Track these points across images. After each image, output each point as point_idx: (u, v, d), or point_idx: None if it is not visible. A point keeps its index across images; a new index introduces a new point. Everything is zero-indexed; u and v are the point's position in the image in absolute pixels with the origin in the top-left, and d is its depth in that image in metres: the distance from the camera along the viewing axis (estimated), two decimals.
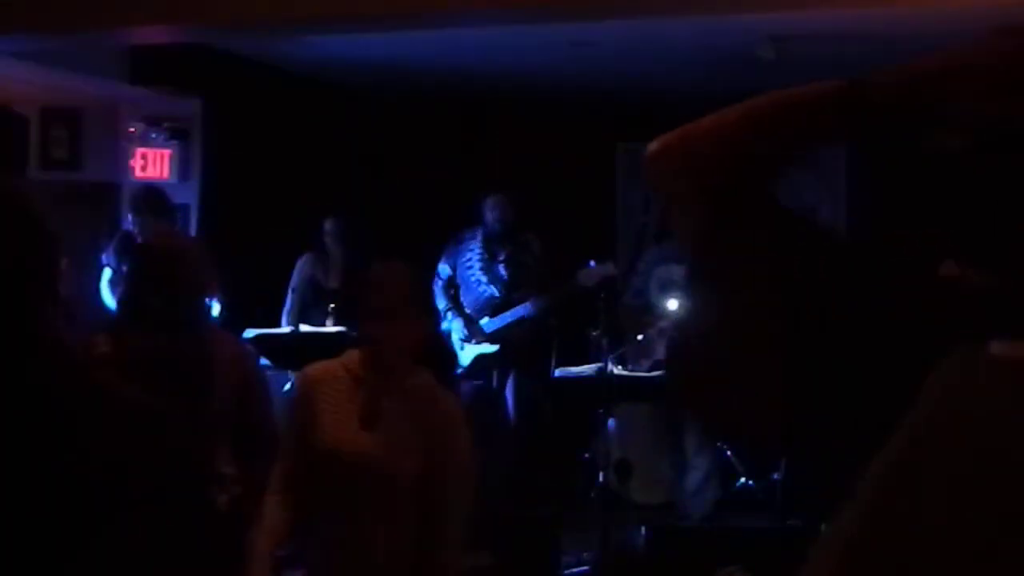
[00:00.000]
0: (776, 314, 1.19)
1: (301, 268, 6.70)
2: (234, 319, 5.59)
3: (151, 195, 6.15)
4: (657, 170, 1.32)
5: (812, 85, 1.28)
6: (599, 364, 5.86)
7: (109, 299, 6.26)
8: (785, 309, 1.19)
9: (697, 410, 1.35)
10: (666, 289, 6.52)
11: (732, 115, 1.27)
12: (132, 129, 7.15)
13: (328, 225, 6.81)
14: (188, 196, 7.05)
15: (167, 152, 7.09)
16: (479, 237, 6.68)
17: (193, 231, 6.99)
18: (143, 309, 3.35)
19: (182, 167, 7.09)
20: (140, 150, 7.14)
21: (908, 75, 1.17)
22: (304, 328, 6.18)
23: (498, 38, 6.33)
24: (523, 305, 6.44)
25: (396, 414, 3.12)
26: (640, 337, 6.46)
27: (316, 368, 3.16)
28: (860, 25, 6.07)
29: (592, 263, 6.18)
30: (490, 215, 6.60)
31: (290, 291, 6.62)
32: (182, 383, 3.16)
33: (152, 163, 7.12)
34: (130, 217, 6.08)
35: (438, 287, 6.72)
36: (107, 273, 6.31)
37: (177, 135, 7.09)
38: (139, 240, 5.98)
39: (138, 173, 7.06)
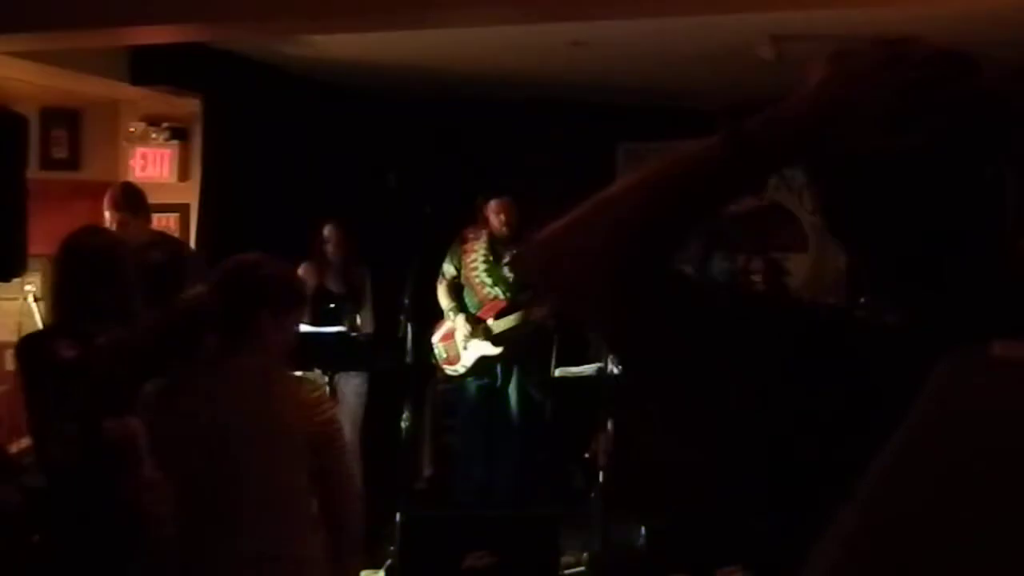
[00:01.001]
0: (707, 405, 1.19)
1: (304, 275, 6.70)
2: None
3: (129, 192, 6.14)
4: (553, 272, 1.28)
5: (686, 152, 1.25)
6: (599, 364, 5.86)
7: None
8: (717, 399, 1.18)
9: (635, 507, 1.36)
10: None
11: (622, 198, 1.23)
12: (132, 129, 7.15)
13: (327, 231, 6.83)
14: (188, 196, 7.05)
15: (167, 152, 7.09)
16: (484, 238, 6.68)
17: (193, 231, 6.99)
18: (92, 306, 3.38)
19: (182, 167, 7.09)
20: (140, 150, 7.14)
21: (800, 111, 1.17)
22: (304, 328, 6.17)
23: (498, 38, 6.33)
24: (526, 309, 6.49)
25: None
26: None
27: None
28: (860, 25, 6.06)
29: None
30: (495, 219, 6.61)
31: None
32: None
33: (152, 163, 7.12)
34: (107, 215, 6.07)
35: (442, 287, 6.73)
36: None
37: (177, 135, 7.09)
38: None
39: (138, 173, 7.05)
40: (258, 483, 3.04)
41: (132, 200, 6.07)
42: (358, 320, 6.71)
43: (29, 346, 3.58)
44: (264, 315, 3.12)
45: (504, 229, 6.60)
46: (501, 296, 6.59)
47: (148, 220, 6.25)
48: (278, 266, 3.28)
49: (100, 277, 3.43)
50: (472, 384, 6.70)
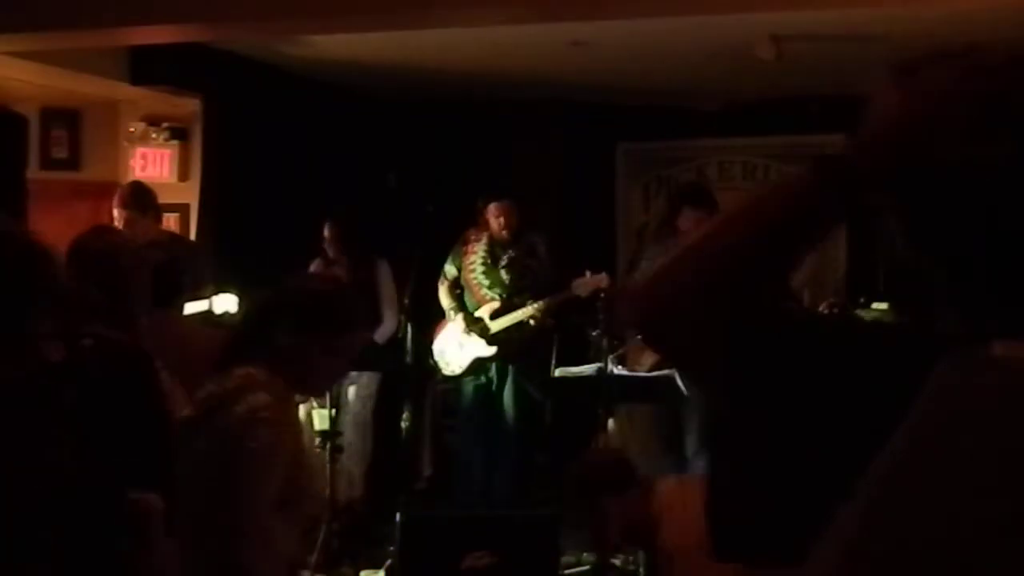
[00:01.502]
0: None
1: None
2: (234, 319, 5.58)
3: (136, 191, 6.14)
4: (654, 321, 1.28)
5: (775, 187, 1.26)
6: (599, 364, 5.86)
7: None
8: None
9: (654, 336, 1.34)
10: None
11: (715, 239, 1.24)
12: (132, 129, 7.15)
13: (327, 230, 6.78)
14: (188, 196, 7.05)
15: (167, 152, 7.09)
16: (483, 240, 6.68)
17: (193, 231, 6.99)
18: (91, 307, 3.36)
19: (182, 167, 7.09)
20: (140, 150, 7.14)
21: (886, 134, 1.17)
22: None
23: (498, 38, 6.33)
24: (520, 311, 6.48)
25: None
26: (640, 336, 6.45)
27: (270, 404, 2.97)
28: (860, 25, 6.06)
29: (588, 273, 6.21)
30: (494, 222, 6.60)
31: None
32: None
33: (152, 163, 7.12)
34: (115, 212, 6.08)
35: (443, 288, 6.73)
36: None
37: (177, 135, 7.09)
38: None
39: (138, 173, 7.05)
40: None
41: (140, 199, 6.08)
42: (385, 321, 6.64)
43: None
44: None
45: (503, 232, 6.60)
46: (497, 298, 6.60)
47: (158, 219, 6.26)
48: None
49: (100, 280, 3.42)
50: (469, 384, 6.70)
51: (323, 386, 3.10)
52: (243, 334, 3.08)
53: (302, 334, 2.98)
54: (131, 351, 3.26)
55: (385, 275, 6.81)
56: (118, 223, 6.09)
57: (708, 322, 1.21)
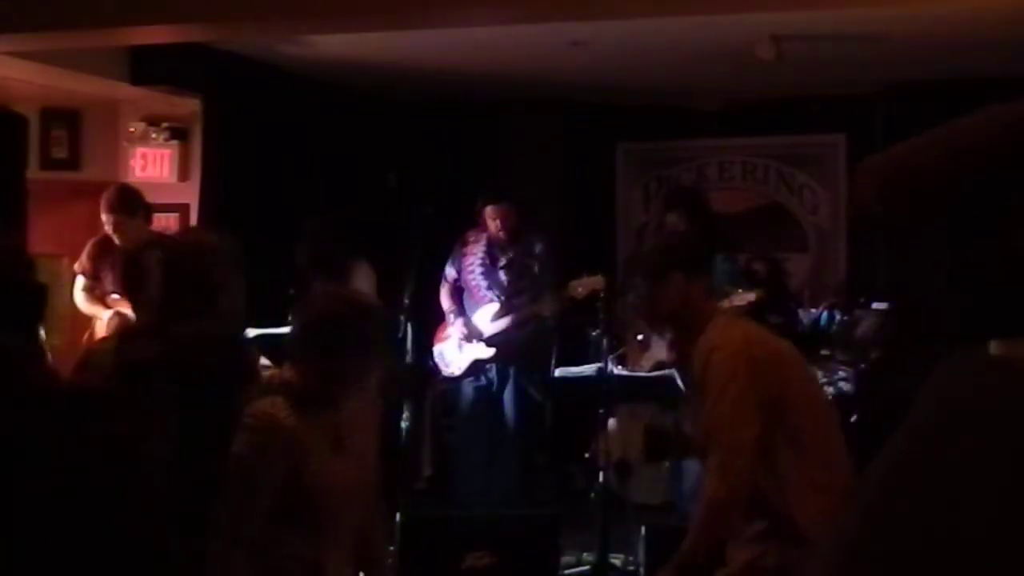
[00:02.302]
0: None
1: None
2: None
3: (123, 194, 6.13)
4: (893, 191, 1.26)
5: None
6: (599, 364, 5.86)
7: (84, 306, 6.20)
8: None
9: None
10: None
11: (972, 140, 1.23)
12: (132, 129, 7.14)
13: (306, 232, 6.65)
14: (188, 196, 7.05)
15: (167, 152, 7.09)
16: (482, 241, 6.67)
17: None
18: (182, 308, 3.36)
19: (182, 167, 7.09)
20: (140, 150, 7.13)
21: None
22: None
23: (498, 38, 6.33)
24: (518, 313, 6.47)
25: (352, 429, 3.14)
26: (640, 337, 6.45)
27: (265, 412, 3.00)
28: (860, 25, 6.06)
29: (584, 275, 6.21)
30: (491, 224, 6.59)
31: None
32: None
33: (152, 163, 7.12)
34: (103, 217, 6.06)
35: (444, 290, 6.72)
36: (80, 280, 6.22)
37: (177, 135, 7.08)
38: (117, 242, 5.97)
39: (138, 173, 7.05)
40: None
41: (127, 201, 6.06)
42: None
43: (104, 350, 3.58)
44: None
45: (501, 234, 6.59)
46: (495, 300, 6.59)
47: (147, 220, 6.24)
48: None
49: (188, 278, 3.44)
50: (469, 386, 6.69)
51: (320, 407, 3.06)
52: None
53: (298, 359, 3.03)
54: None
55: (362, 277, 6.66)
56: (107, 227, 6.07)
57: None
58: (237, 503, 2.93)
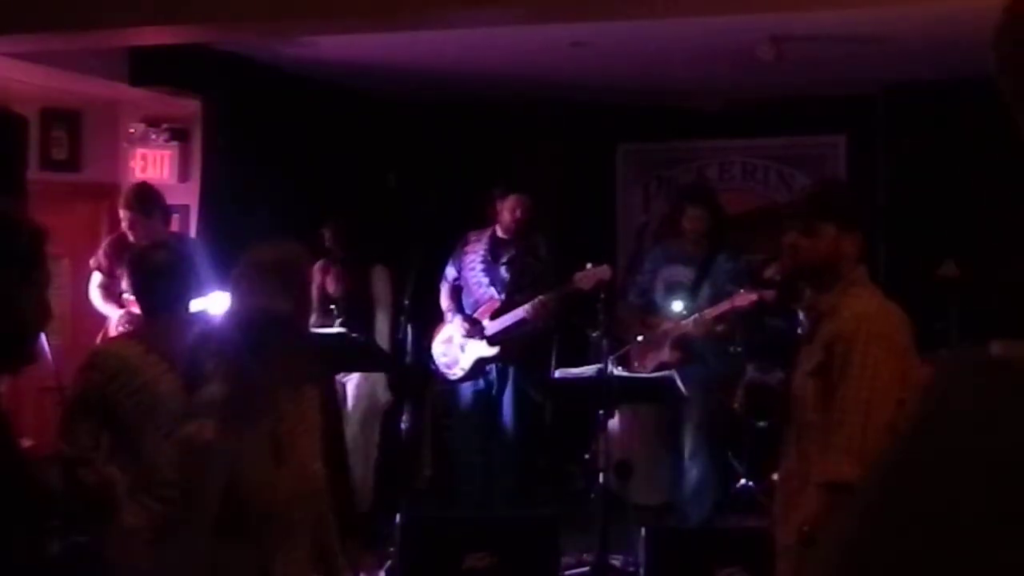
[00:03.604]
0: None
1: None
2: None
3: (141, 193, 6.14)
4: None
5: None
6: (599, 365, 5.86)
7: (99, 304, 6.22)
8: None
9: None
10: (672, 290, 6.51)
11: None
12: (132, 130, 7.14)
13: (327, 231, 6.74)
14: (188, 197, 7.05)
15: (167, 153, 7.09)
16: (484, 239, 6.66)
17: (193, 232, 6.98)
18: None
19: (182, 168, 7.09)
20: (140, 151, 7.13)
21: None
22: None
23: (498, 38, 6.33)
24: (522, 308, 6.43)
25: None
26: (640, 338, 6.45)
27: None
28: (860, 25, 6.07)
29: (589, 265, 6.19)
30: (508, 214, 6.56)
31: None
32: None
33: (152, 164, 7.12)
34: (121, 213, 6.08)
35: (444, 289, 6.71)
36: (96, 277, 6.25)
37: (177, 135, 7.08)
38: (132, 240, 5.98)
39: (138, 174, 7.05)
40: None
41: (143, 201, 6.08)
42: (377, 324, 6.61)
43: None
44: None
45: (514, 225, 6.56)
46: (496, 296, 6.57)
47: (164, 221, 6.25)
48: None
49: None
50: (468, 389, 6.66)
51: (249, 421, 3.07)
52: None
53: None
54: None
55: (380, 279, 6.76)
56: (123, 224, 6.09)
57: None
58: (183, 520, 2.99)
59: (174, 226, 6.87)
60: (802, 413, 3.23)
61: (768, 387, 3.88)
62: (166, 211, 6.25)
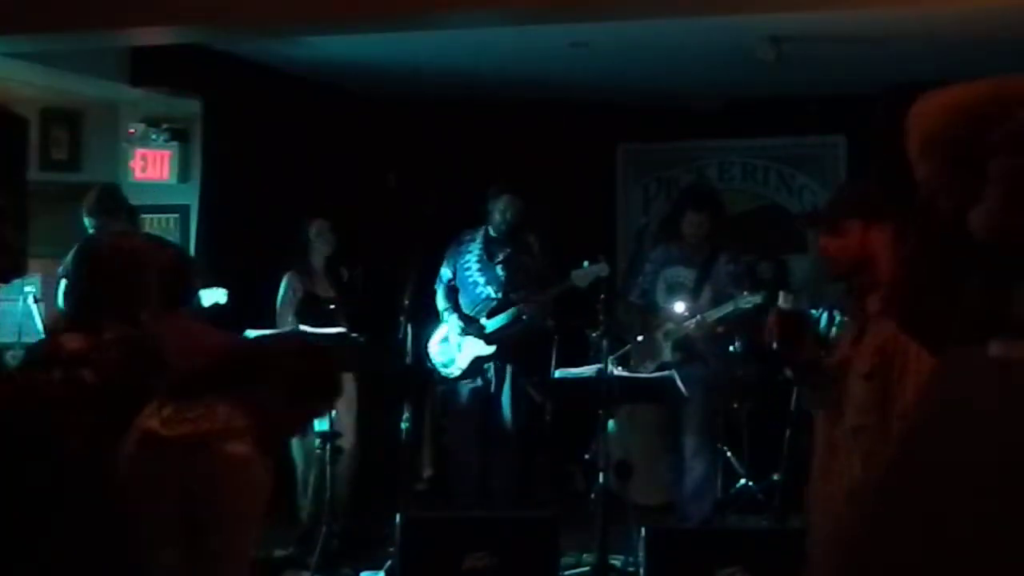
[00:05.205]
0: None
1: (290, 286, 6.46)
2: (234, 319, 5.58)
3: (103, 195, 6.11)
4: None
5: None
6: (599, 365, 5.86)
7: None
8: None
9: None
10: (673, 291, 6.51)
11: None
12: (132, 130, 7.14)
13: (315, 228, 6.59)
14: (188, 197, 7.05)
15: (167, 153, 7.08)
16: (479, 238, 6.67)
17: (193, 232, 6.98)
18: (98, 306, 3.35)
19: (182, 168, 7.08)
20: (140, 151, 7.12)
21: None
22: (304, 328, 6.14)
23: (498, 38, 6.33)
24: (518, 305, 6.44)
25: None
26: (640, 338, 6.45)
27: None
28: (860, 25, 6.07)
29: (586, 263, 6.20)
30: (498, 215, 6.57)
31: (278, 309, 6.46)
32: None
33: (152, 164, 7.11)
34: (86, 220, 6.03)
35: (440, 290, 6.71)
36: (64, 284, 6.19)
37: (177, 136, 7.08)
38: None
39: (138, 174, 7.05)
40: None
41: (106, 203, 6.02)
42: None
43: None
44: None
45: (503, 225, 6.57)
46: (492, 295, 6.58)
47: (132, 220, 6.16)
48: None
49: (109, 278, 3.43)
50: (465, 387, 6.66)
51: None
52: None
53: None
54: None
55: (355, 279, 6.61)
56: (91, 231, 6.03)
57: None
58: None
59: (174, 227, 6.88)
60: (855, 415, 3.10)
61: (802, 315, 3.64)
62: (131, 210, 6.19)
